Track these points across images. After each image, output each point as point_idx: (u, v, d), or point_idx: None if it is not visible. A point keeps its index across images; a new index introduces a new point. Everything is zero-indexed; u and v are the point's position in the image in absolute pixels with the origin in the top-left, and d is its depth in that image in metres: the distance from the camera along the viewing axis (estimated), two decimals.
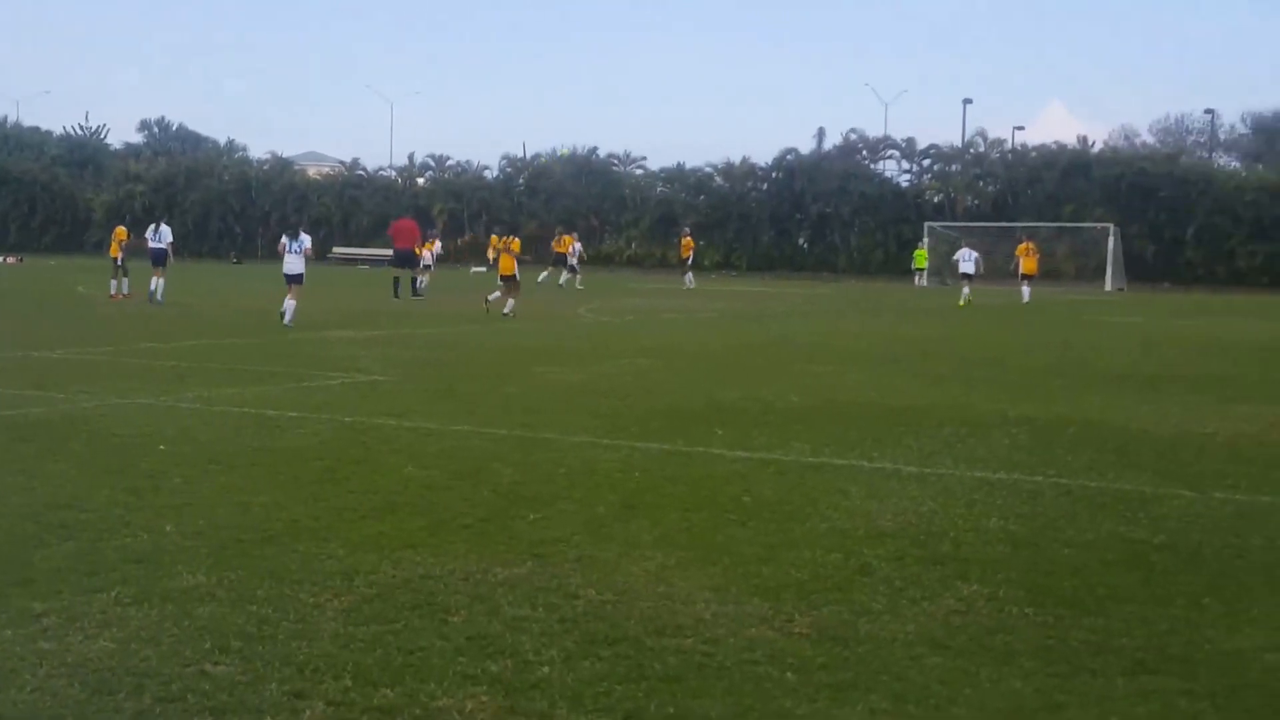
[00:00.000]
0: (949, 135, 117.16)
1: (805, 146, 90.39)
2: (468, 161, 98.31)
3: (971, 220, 78.27)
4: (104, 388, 17.35)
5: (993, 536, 9.61)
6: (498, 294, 35.64)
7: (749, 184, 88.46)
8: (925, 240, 71.94)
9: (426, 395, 17.43)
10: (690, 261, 61.44)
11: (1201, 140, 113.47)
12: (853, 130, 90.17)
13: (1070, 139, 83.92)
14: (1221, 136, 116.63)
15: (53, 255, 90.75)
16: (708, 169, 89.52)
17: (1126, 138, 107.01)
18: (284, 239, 32.96)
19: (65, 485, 10.91)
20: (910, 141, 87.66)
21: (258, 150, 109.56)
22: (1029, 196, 79.93)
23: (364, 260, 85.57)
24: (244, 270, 62.63)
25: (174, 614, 7.36)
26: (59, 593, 7.72)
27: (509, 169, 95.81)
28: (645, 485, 11.32)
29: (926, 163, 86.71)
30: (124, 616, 7.31)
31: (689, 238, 64.19)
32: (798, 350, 26.07)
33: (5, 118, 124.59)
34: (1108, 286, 68.33)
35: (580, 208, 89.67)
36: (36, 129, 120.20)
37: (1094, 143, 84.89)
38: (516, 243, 38.40)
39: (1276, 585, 8.36)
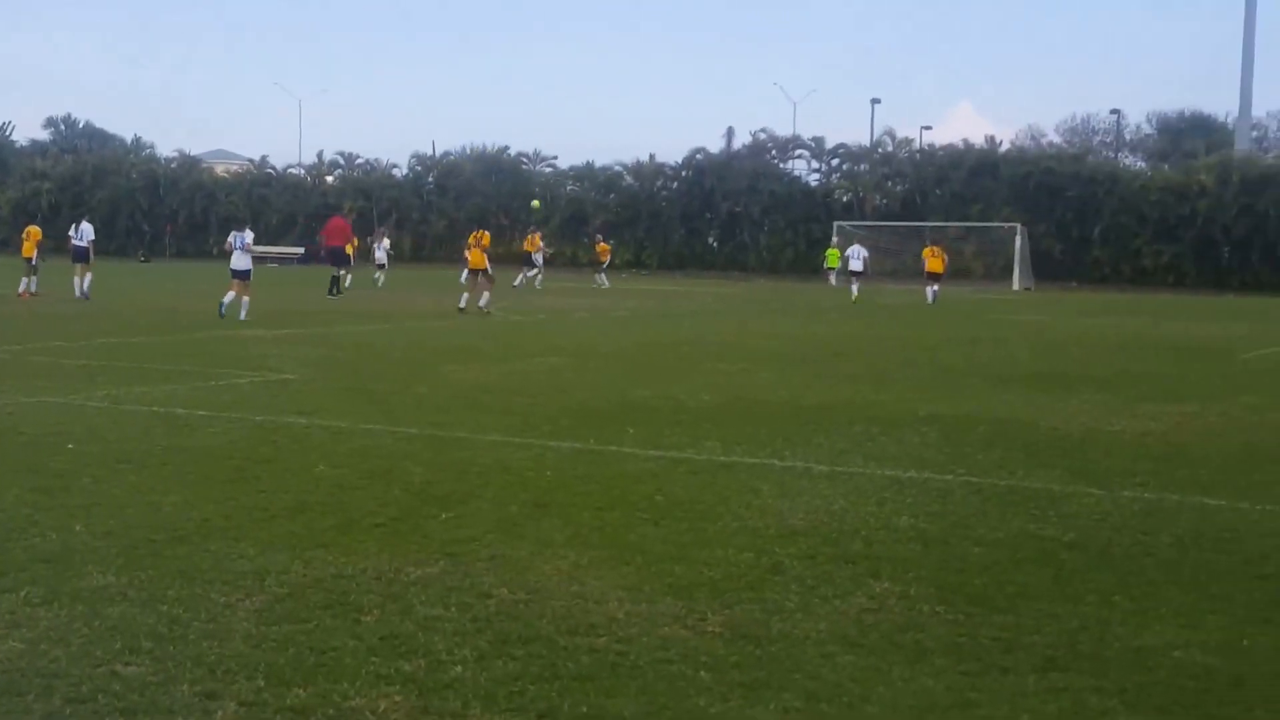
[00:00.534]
0: (857, 135, 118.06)
1: (715, 146, 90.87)
2: (377, 159, 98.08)
3: (880, 219, 78.81)
4: (11, 386, 17.14)
5: (904, 535, 9.66)
6: (468, 294, 36.47)
7: (659, 183, 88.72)
8: (835, 239, 72.16)
9: (337, 394, 17.34)
10: (606, 264, 61.56)
11: (1107, 140, 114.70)
12: (762, 130, 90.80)
13: (978, 139, 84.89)
14: (1127, 137, 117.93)
15: None
16: (617, 168, 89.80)
17: (1033, 138, 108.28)
18: (231, 235, 33.53)
19: None
20: (819, 141, 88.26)
21: (165, 148, 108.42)
22: (937, 196, 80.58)
23: (273, 258, 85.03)
24: (152, 269, 62.04)
25: (84, 614, 7.28)
26: None
27: (418, 167, 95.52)
28: (557, 484, 11.31)
29: (835, 162, 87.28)
30: (33, 617, 7.22)
31: (606, 243, 64.32)
32: (709, 349, 26.10)
33: None
34: (1015, 285, 68.92)
35: (490, 206, 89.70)
36: None
37: (1001, 142, 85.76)
38: (487, 237, 38.47)
39: (1184, 583, 8.44)
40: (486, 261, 37.20)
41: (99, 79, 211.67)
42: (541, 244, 58.92)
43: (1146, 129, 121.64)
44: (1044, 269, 72.66)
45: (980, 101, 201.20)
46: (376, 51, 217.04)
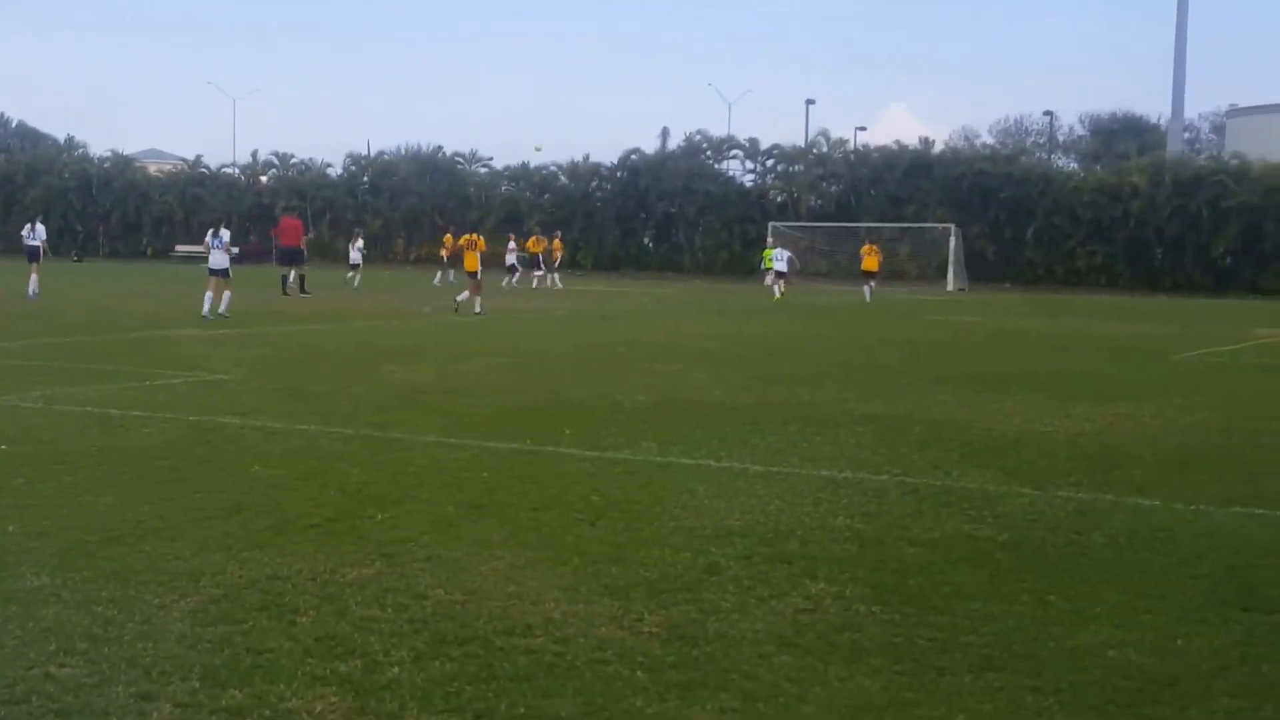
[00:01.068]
0: (792, 136, 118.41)
1: (650, 146, 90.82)
2: (311, 159, 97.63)
3: (815, 220, 78.97)
4: None
5: (839, 535, 9.70)
6: (465, 294, 37.23)
7: (594, 183, 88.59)
8: (770, 240, 72.17)
9: (273, 394, 17.26)
10: (557, 264, 61.83)
11: (1041, 142, 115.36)
12: (697, 130, 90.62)
13: (912, 140, 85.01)
14: (1060, 138, 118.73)
15: None
16: (553, 168, 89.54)
17: (967, 138, 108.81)
18: (208, 235, 34.50)
19: None
20: (754, 141, 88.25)
21: (98, 148, 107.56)
22: (871, 197, 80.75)
23: (207, 258, 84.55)
24: (86, 269, 61.54)
25: (18, 615, 7.24)
26: None
27: (353, 167, 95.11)
28: (494, 484, 11.30)
29: (770, 163, 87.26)
30: None
31: (559, 239, 64.67)
32: (645, 349, 26.11)
33: None
34: (950, 286, 69.19)
35: (425, 206, 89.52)
36: None
37: (935, 143, 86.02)
38: (482, 241, 38.92)
39: (1119, 582, 8.50)
40: (479, 265, 37.89)
41: (31, 78, 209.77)
42: (512, 243, 60.94)
43: (1079, 130, 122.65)
44: (978, 270, 72.97)
45: (914, 102, 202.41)
46: (310, 51, 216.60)
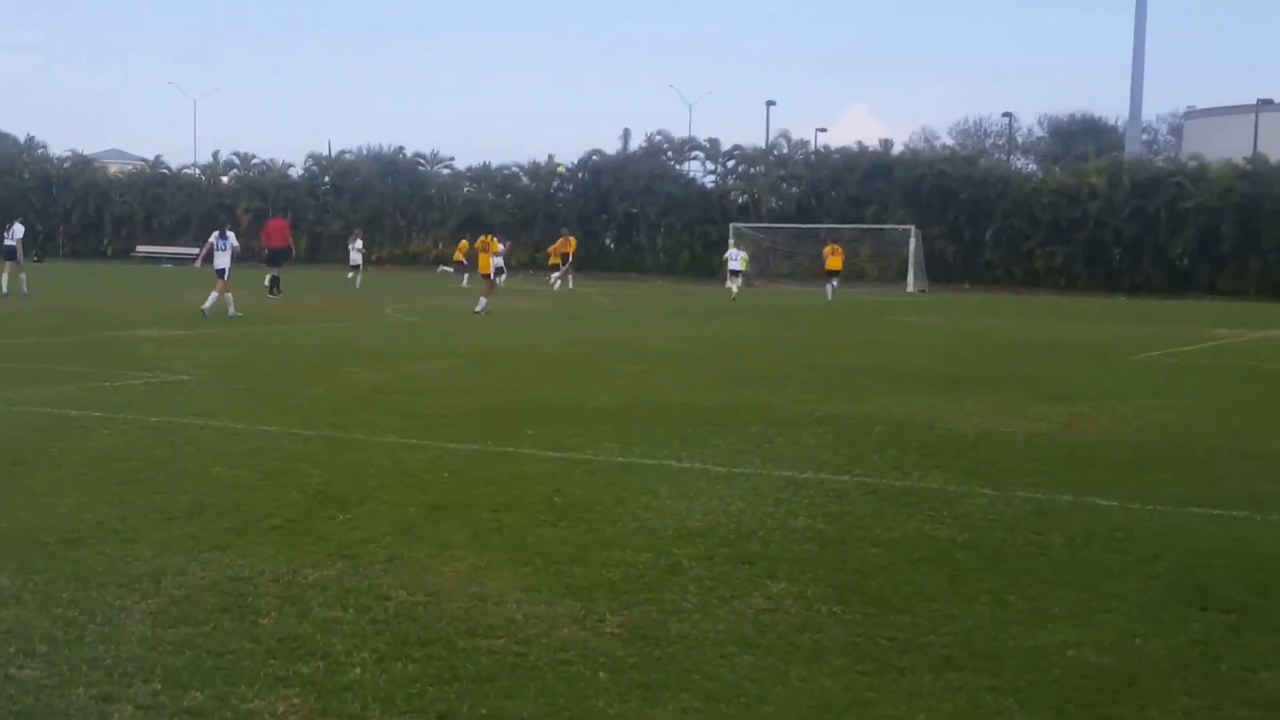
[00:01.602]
0: (753, 137, 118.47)
1: (611, 147, 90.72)
2: (272, 160, 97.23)
3: (776, 221, 78.99)
4: None
5: (800, 535, 9.73)
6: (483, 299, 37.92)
7: (555, 184, 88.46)
8: (731, 241, 72.06)
9: (234, 395, 17.22)
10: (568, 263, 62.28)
11: (1000, 143, 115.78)
12: (658, 131, 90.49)
13: (872, 141, 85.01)
14: (1019, 140, 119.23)
15: None
16: (514, 168, 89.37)
17: (927, 140, 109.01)
18: (213, 237, 35.37)
19: None
20: (714, 143, 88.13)
21: (58, 148, 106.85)
22: (832, 198, 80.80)
23: (168, 258, 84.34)
24: (46, 269, 61.13)
25: None
26: None
27: (314, 167, 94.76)
28: (456, 485, 11.30)
29: (731, 164, 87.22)
30: None
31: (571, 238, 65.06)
32: (607, 350, 26.13)
33: None
34: (910, 287, 69.27)
35: (386, 207, 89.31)
36: None
37: (895, 145, 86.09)
38: (495, 244, 39.24)
39: (1077, 583, 8.55)
40: (491, 267, 38.84)
41: None
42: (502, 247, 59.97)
43: (1038, 132, 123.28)
44: (937, 271, 73.14)
45: (875, 104, 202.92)
46: (271, 51, 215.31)
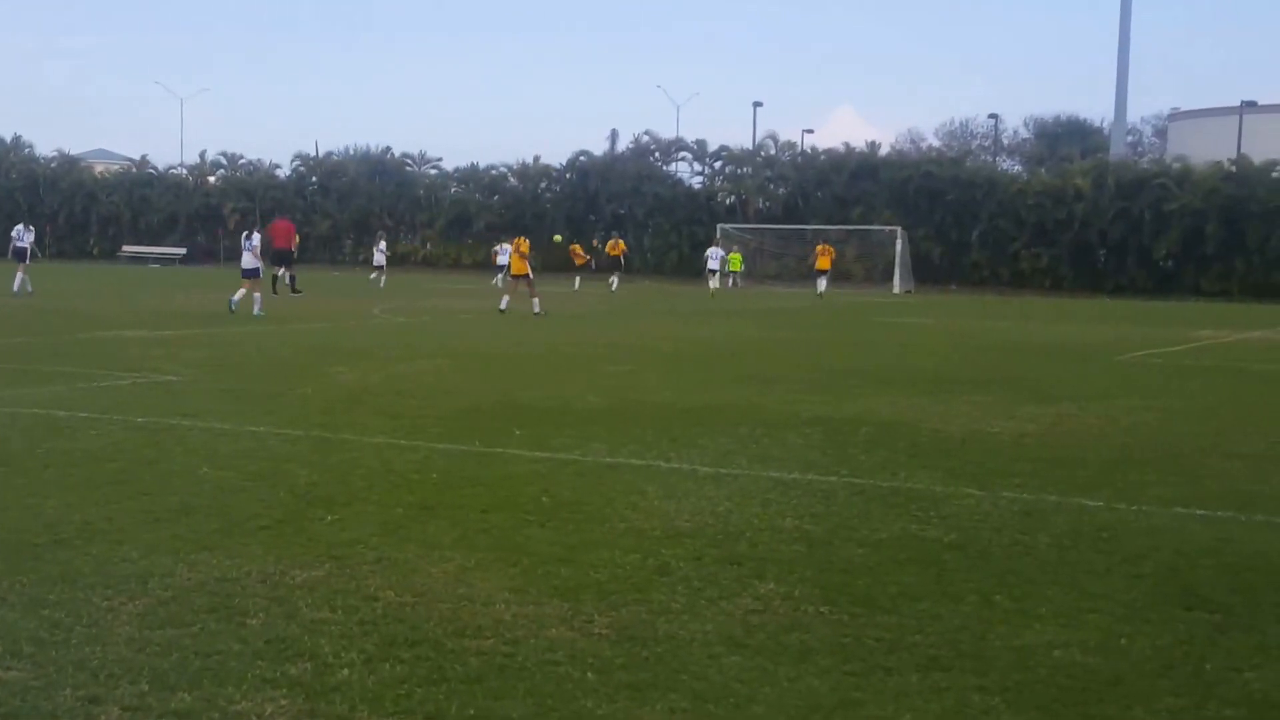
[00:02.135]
0: (740, 138, 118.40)
1: (598, 148, 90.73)
2: (259, 160, 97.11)
3: (763, 222, 79.00)
4: None
5: (788, 536, 9.74)
6: (508, 297, 38.73)
7: (543, 184, 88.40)
8: (719, 241, 72.00)
9: (222, 395, 17.20)
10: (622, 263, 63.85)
11: (985, 144, 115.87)
12: (645, 132, 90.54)
13: (859, 142, 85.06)
14: (1005, 141, 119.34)
15: None
16: (501, 169, 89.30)
17: (913, 141, 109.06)
18: (242, 237, 36.45)
19: None
20: (702, 144, 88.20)
21: (44, 148, 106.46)
22: (819, 199, 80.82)
23: (154, 258, 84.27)
24: (32, 269, 61.18)
25: None
26: None
27: (301, 168, 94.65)
28: (444, 486, 11.31)
29: (719, 165, 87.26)
30: None
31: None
32: (595, 350, 26.12)
33: None
34: (896, 288, 69.26)
35: (374, 207, 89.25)
36: None
37: (881, 146, 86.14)
38: (526, 244, 39.52)
39: (1063, 582, 8.58)
40: (528, 267, 38.88)
41: None
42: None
43: (1024, 133, 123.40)
44: (924, 272, 73.14)
45: (861, 105, 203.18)
46: (258, 51, 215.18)
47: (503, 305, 38.52)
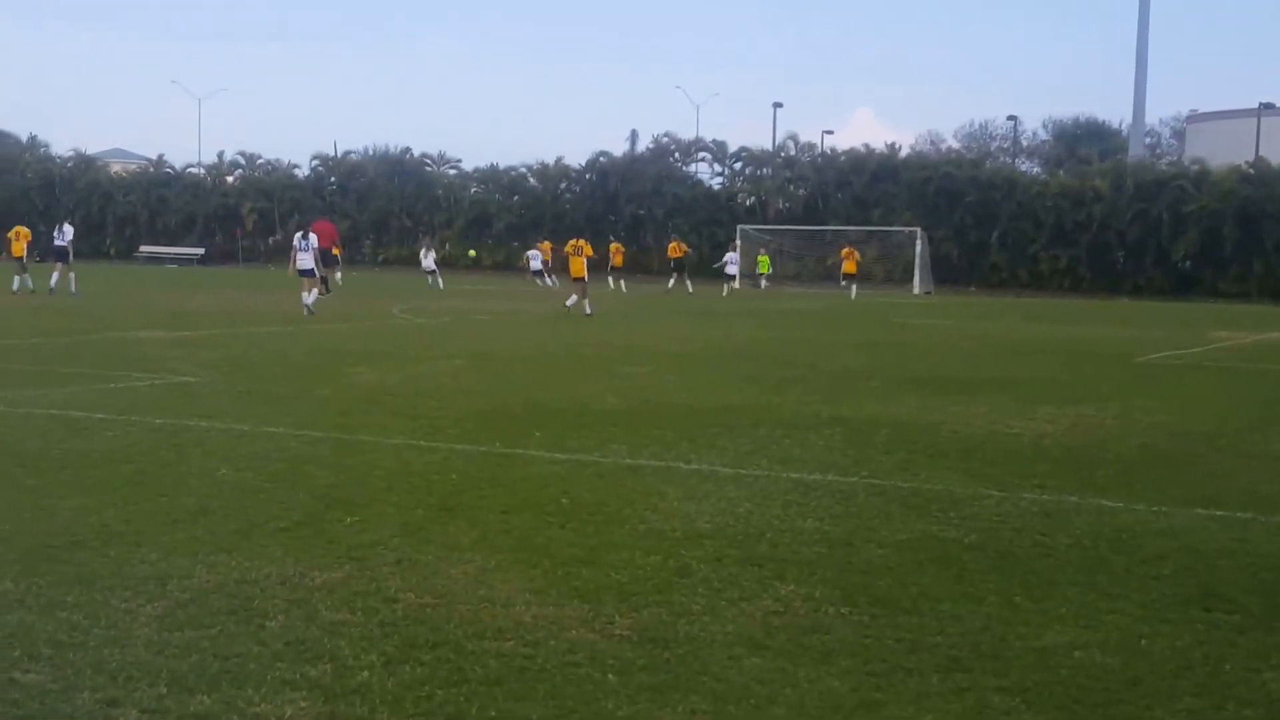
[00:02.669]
0: (760, 139, 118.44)
1: (618, 149, 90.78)
2: (278, 160, 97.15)
3: (783, 223, 78.94)
4: None
5: (808, 537, 9.73)
6: (574, 298, 39.24)
7: (563, 185, 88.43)
8: (738, 243, 71.85)
9: (239, 397, 17.21)
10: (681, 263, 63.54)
11: (1005, 146, 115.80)
12: (665, 133, 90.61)
13: (879, 144, 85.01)
14: (1024, 143, 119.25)
15: None
16: (521, 169, 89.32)
17: (932, 143, 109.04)
18: (296, 238, 37.34)
19: None
20: (721, 144, 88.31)
21: (61, 147, 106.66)
22: (838, 200, 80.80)
23: (172, 259, 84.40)
24: (48, 269, 61.45)
25: None
26: None
27: (320, 168, 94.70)
28: (463, 487, 11.30)
29: (738, 165, 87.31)
30: None
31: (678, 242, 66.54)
32: (614, 352, 26.09)
33: None
34: (916, 289, 69.19)
35: (393, 208, 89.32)
36: None
37: (901, 147, 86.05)
38: (589, 248, 40.04)
39: (1083, 583, 8.56)
40: (585, 270, 39.75)
41: None
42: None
43: (1043, 135, 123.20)
44: (943, 273, 73.04)
45: (881, 107, 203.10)
46: (276, 51, 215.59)
47: (569, 303, 39.35)
